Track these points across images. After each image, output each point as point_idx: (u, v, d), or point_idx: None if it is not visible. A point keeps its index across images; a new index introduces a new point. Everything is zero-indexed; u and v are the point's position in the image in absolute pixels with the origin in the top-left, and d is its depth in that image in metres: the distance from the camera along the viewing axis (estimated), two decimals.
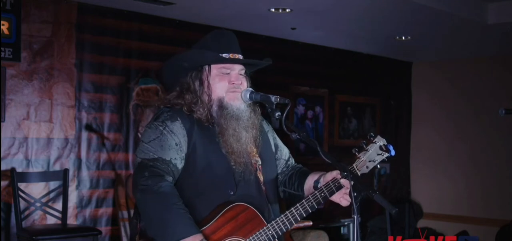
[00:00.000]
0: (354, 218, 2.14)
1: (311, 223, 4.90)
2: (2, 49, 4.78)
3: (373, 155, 2.45)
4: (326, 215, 7.15)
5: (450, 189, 8.00)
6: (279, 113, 2.32)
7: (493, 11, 5.96)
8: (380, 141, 2.46)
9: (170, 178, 2.30)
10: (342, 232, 7.04)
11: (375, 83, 8.05)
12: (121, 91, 5.56)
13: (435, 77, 8.27)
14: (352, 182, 2.18)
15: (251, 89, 2.48)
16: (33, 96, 5.03)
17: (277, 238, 2.36)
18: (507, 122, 7.00)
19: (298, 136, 2.31)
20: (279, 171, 2.67)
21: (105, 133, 5.45)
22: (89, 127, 5.35)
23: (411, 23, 6.04)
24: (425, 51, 7.68)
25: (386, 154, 2.45)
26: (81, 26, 5.28)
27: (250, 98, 2.45)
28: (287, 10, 5.45)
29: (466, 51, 7.56)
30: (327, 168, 2.57)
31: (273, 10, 5.43)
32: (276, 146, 2.67)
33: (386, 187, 8.08)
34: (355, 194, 2.15)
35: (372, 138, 2.46)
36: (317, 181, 2.50)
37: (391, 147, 2.45)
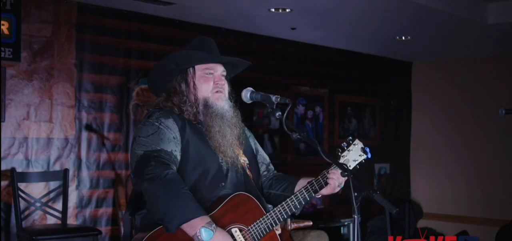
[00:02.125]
0: (354, 218, 2.16)
1: (311, 223, 4.88)
2: (2, 49, 4.78)
3: (355, 155, 2.60)
4: (326, 215, 7.15)
5: (450, 189, 8.00)
6: (280, 113, 2.38)
7: (493, 11, 5.96)
8: (359, 144, 2.62)
9: (174, 167, 2.39)
10: (342, 232, 7.04)
11: (375, 83, 8.05)
12: (121, 91, 5.56)
13: (435, 77, 8.27)
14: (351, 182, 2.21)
15: (251, 88, 2.53)
16: (33, 96, 5.03)
17: (276, 226, 2.49)
18: (507, 122, 7.00)
19: (298, 136, 2.35)
20: (261, 173, 2.79)
21: (105, 133, 5.45)
22: (89, 127, 5.35)
23: (411, 23, 6.04)
24: (425, 51, 7.68)
25: (365, 156, 2.60)
26: (81, 26, 5.28)
27: (251, 98, 2.51)
28: (287, 10, 5.45)
29: (466, 51, 7.56)
30: (326, 168, 2.63)
31: (273, 10, 5.43)
32: (257, 151, 2.81)
33: (386, 187, 8.08)
34: (356, 194, 2.17)
35: (351, 141, 2.62)
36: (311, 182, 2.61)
37: (367, 150, 2.61)
